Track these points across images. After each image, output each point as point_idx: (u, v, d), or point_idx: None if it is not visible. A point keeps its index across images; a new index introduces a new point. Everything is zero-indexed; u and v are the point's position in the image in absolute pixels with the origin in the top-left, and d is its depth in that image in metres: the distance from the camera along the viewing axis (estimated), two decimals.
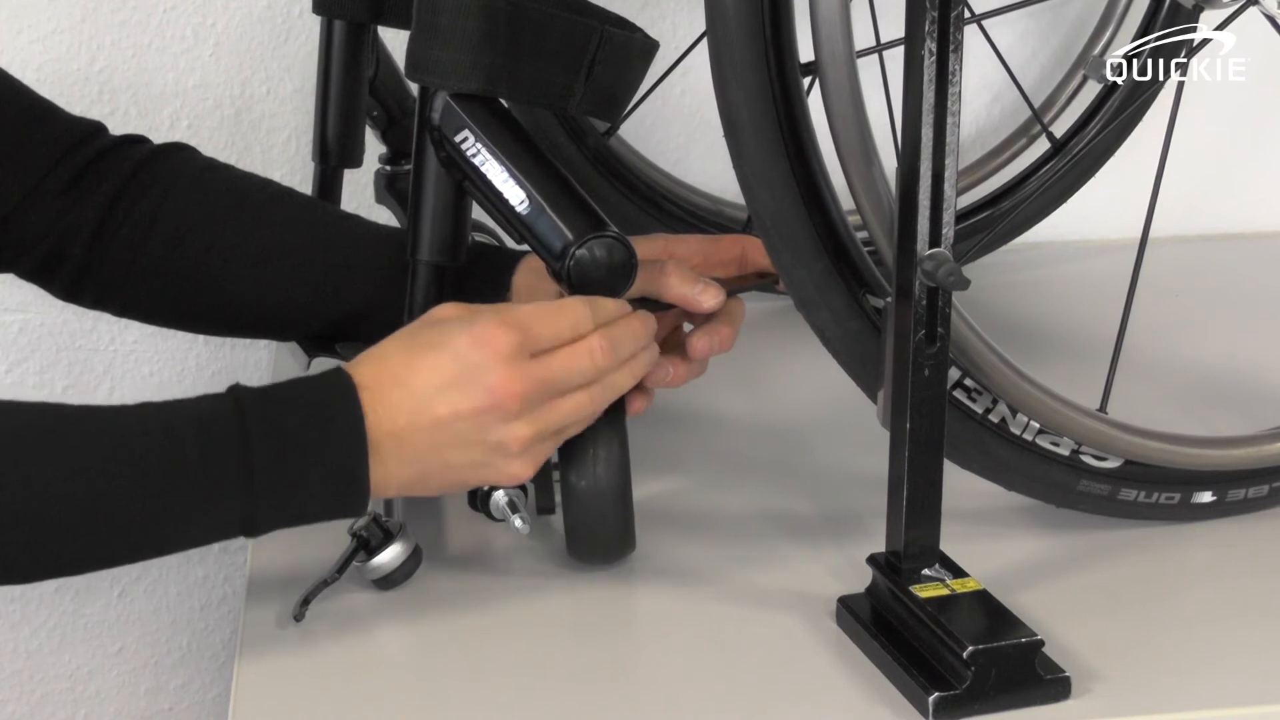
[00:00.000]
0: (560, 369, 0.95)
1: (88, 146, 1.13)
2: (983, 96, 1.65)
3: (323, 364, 1.16)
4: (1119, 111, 1.50)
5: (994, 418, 1.03)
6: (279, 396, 0.92)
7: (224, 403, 0.91)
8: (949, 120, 0.88)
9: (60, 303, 1.18)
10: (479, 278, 1.10)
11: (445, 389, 0.93)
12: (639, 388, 1.08)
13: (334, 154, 1.28)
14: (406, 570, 1.01)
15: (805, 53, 0.94)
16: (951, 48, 0.87)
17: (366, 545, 1.00)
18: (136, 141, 1.17)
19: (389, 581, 1.01)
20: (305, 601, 0.98)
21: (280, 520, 0.92)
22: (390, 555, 1.00)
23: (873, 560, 0.96)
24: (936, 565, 0.94)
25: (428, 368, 0.93)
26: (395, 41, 1.27)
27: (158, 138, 1.19)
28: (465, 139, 1.00)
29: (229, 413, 0.91)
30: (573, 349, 0.96)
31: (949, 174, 0.89)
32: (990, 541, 1.06)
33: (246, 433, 0.90)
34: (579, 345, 0.96)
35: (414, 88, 1.04)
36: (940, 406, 0.92)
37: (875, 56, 1.30)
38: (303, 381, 0.94)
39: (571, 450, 1.00)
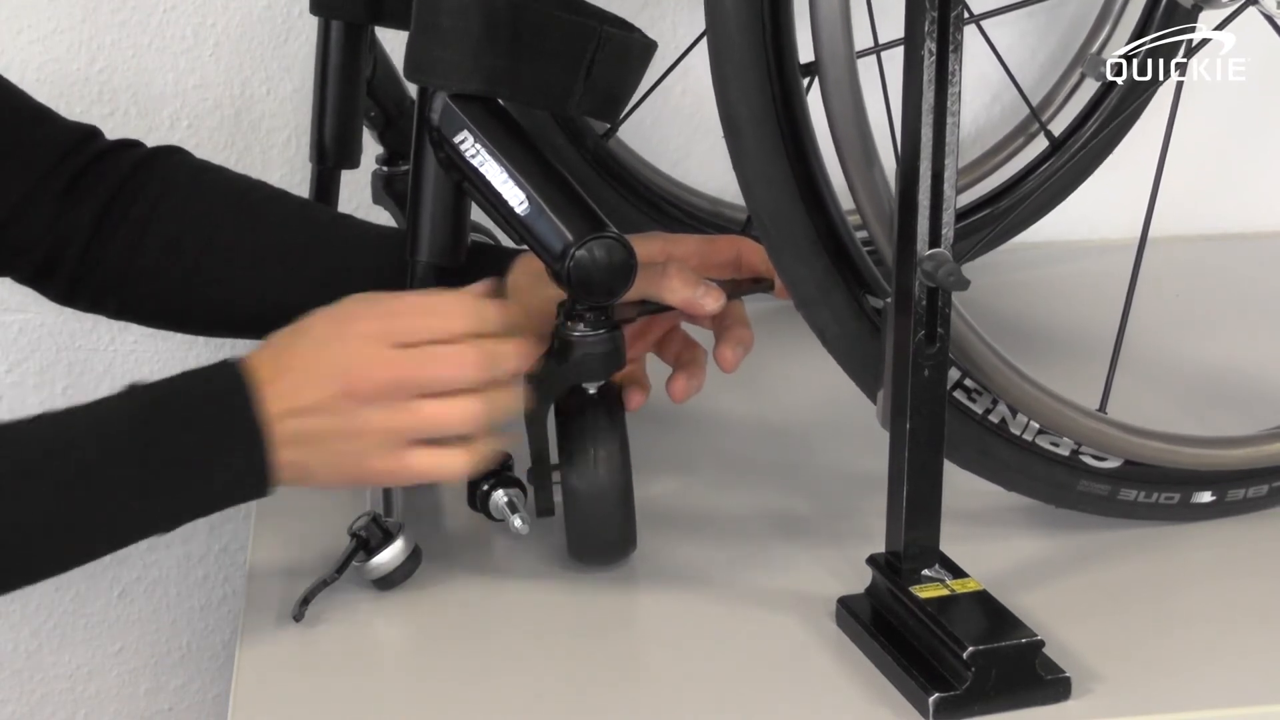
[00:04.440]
0: (423, 369, 0.94)
1: (83, 151, 1.14)
2: (982, 95, 1.65)
3: None
4: (1117, 110, 1.50)
5: (994, 418, 1.03)
6: (170, 391, 0.94)
7: (120, 405, 0.93)
8: (949, 120, 0.88)
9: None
10: (473, 277, 1.10)
11: (309, 375, 0.94)
12: (637, 384, 1.09)
13: (331, 155, 1.27)
14: (406, 570, 1.01)
15: (805, 53, 0.94)
16: (951, 48, 0.87)
17: (366, 545, 1.00)
18: (131, 145, 1.17)
19: (388, 581, 1.01)
20: (305, 601, 0.98)
21: (188, 512, 0.94)
22: (389, 555, 1.00)
23: (872, 561, 0.96)
24: (936, 566, 0.94)
25: (299, 354, 0.95)
26: (393, 42, 1.27)
27: (157, 138, 1.19)
28: (464, 140, 1.00)
29: (125, 416, 0.93)
30: (442, 352, 0.95)
31: (949, 174, 0.89)
32: (990, 541, 1.06)
33: (142, 435, 0.92)
34: (450, 351, 0.95)
35: (412, 88, 1.04)
36: (940, 407, 0.92)
37: (874, 56, 1.30)
38: (193, 374, 0.95)
39: (572, 451, 1.00)
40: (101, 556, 0.94)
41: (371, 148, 1.36)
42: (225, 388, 0.94)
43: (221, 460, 0.93)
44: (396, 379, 0.94)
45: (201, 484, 0.93)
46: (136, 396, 0.94)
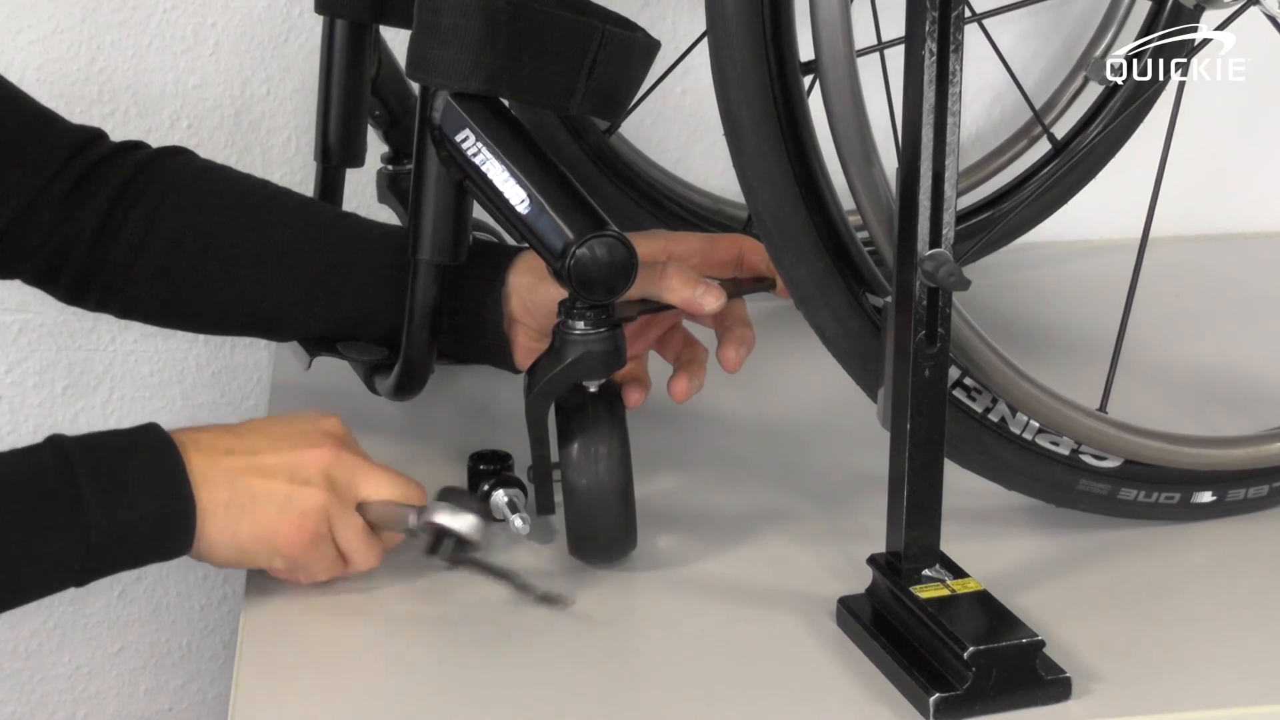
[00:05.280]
0: (371, 474, 1.00)
1: (88, 153, 1.14)
2: (984, 97, 1.65)
3: (323, 364, 1.16)
4: (1120, 113, 1.50)
5: (994, 417, 1.03)
6: (94, 440, 0.95)
7: (46, 452, 0.94)
8: (949, 120, 0.88)
9: (60, 303, 1.18)
10: (474, 274, 1.10)
11: (261, 434, 0.99)
12: (638, 381, 1.09)
13: (336, 154, 1.28)
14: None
15: (805, 52, 0.94)
16: (952, 48, 0.87)
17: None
18: (136, 147, 1.17)
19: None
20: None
21: (111, 552, 0.94)
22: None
23: (873, 561, 0.96)
24: (937, 565, 0.94)
25: (248, 424, 1.00)
26: (397, 41, 1.27)
27: (158, 138, 1.19)
28: (466, 138, 1.00)
29: (52, 458, 0.93)
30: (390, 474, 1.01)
31: (949, 174, 0.89)
32: (990, 541, 1.06)
33: (73, 472, 0.92)
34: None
35: (416, 87, 1.04)
36: (940, 407, 0.92)
37: (875, 55, 1.30)
38: (112, 431, 0.97)
39: (572, 449, 1.00)
40: (14, 606, 0.93)
41: (376, 146, 1.36)
42: (152, 438, 0.96)
43: (143, 496, 0.93)
44: (346, 465, 0.99)
45: (120, 521, 0.93)
46: (55, 442, 0.94)
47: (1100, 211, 1.63)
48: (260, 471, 0.96)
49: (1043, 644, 0.90)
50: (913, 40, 0.87)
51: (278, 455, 0.97)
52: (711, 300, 1.05)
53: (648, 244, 1.06)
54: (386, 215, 1.37)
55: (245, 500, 0.96)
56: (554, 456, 1.03)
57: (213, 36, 1.53)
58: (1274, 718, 0.91)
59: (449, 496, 1.00)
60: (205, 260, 1.13)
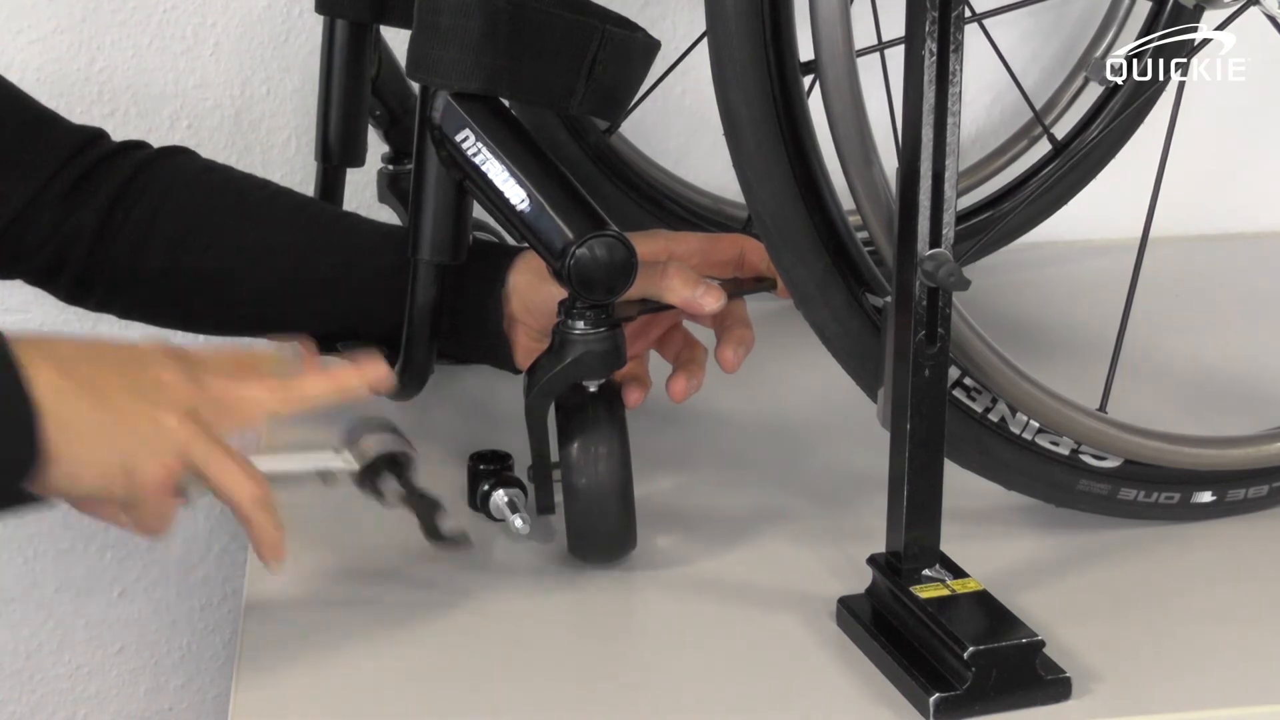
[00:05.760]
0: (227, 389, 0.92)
1: (88, 153, 1.14)
2: (984, 97, 1.65)
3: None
4: (1120, 113, 1.50)
5: (993, 417, 1.03)
6: None
7: None
8: (949, 121, 0.88)
9: (61, 303, 1.18)
10: (475, 274, 1.10)
11: (111, 358, 0.89)
12: (638, 381, 1.09)
13: (336, 153, 1.28)
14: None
15: (805, 52, 0.94)
16: (952, 48, 0.87)
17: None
18: (137, 146, 1.17)
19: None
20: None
21: None
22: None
23: (873, 561, 0.96)
24: (937, 566, 0.94)
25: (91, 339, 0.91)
26: (397, 41, 1.27)
27: (158, 138, 1.19)
28: (466, 138, 1.00)
29: None
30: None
31: (949, 174, 0.89)
32: (990, 541, 1.06)
33: None
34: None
35: (416, 87, 1.04)
36: (940, 407, 0.92)
37: (876, 55, 1.30)
38: None
39: (572, 448, 1.00)
40: None
41: (377, 146, 1.36)
42: None
43: None
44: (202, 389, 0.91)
45: None
46: None
47: (1100, 211, 1.63)
48: (107, 358, 0.88)
49: (1043, 644, 0.90)
50: (913, 40, 0.87)
51: (135, 374, 0.88)
52: (711, 300, 1.05)
53: (648, 244, 1.06)
54: (386, 215, 1.37)
55: (93, 388, 0.86)
56: (554, 456, 1.03)
57: (213, 36, 1.53)
58: (1274, 718, 0.91)
59: (361, 425, 0.97)
60: (205, 260, 1.13)
